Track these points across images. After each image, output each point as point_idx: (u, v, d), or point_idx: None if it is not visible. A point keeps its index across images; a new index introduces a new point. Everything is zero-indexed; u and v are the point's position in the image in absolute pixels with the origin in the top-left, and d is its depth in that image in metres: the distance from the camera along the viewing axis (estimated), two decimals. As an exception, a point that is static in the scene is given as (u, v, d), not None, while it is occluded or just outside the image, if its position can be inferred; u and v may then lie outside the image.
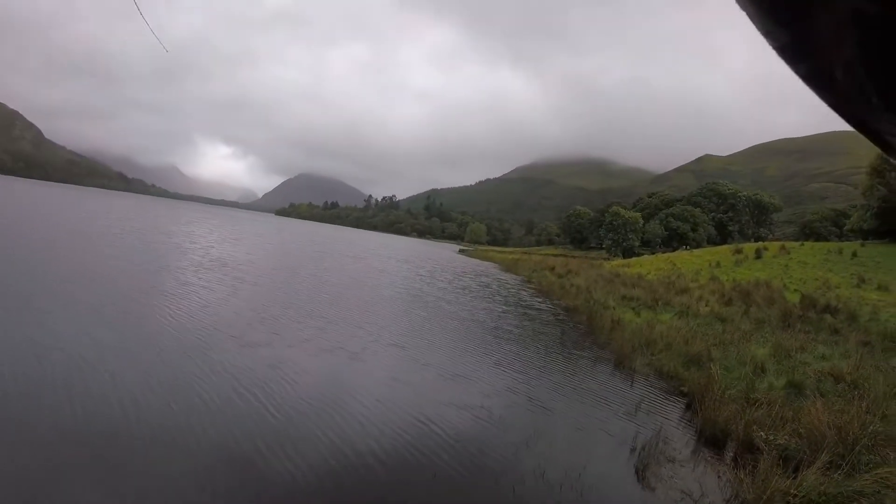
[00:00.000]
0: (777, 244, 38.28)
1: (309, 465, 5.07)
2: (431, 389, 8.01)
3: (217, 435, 5.40)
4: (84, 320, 9.04)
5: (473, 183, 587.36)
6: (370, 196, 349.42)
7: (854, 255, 29.42)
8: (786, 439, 6.26)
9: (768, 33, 0.32)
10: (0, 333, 7.59)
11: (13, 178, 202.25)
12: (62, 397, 5.71)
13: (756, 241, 72.12)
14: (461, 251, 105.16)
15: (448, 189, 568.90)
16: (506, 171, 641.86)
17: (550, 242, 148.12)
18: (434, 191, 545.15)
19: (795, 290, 21.77)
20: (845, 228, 74.39)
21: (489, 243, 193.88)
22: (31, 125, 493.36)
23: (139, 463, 4.68)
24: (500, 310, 18.49)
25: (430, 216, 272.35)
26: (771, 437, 6.27)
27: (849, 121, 0.32)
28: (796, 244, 37.67)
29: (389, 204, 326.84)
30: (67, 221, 30.62)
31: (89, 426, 5.19)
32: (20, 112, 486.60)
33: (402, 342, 11.15)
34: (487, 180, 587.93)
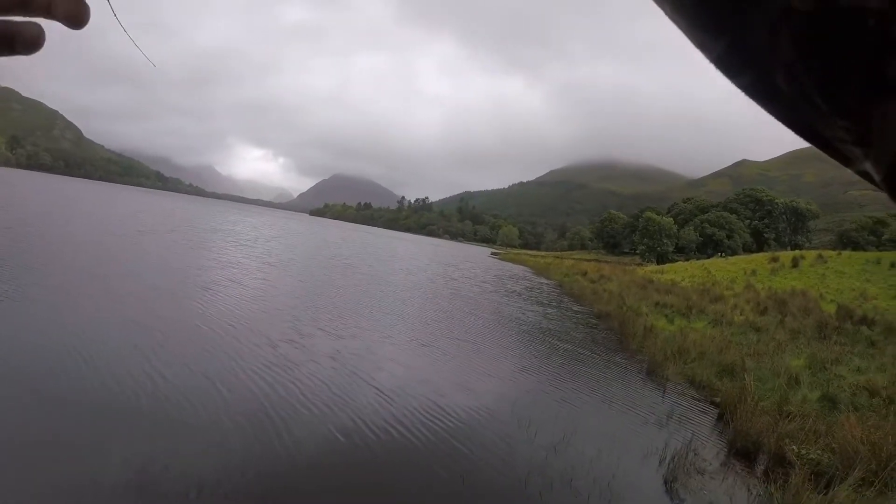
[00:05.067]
0: (814, 253, 37.55)
1: (328, 441, 5.27)
2: (479, 383, 8.15)
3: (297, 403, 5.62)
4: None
5: (506, 186, 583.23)
6: (403, 197, 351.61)
7: (893, 265, 28.56)
8: (818, 454, 6.22)
9: (702, 45, 0.30)
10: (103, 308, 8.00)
11: (55, 175, 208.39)
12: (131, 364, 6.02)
13: (793, 249, 70.31)
14: (493, 254, 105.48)
15: (481, 192, 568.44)
16: (539, 175, 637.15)
17: (583, 247, 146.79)
18: (468, 193, 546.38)
19: (832, 301, 21.34)
20: (884, 238, 72.04)
21: (521, 247, 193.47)
22: (71, 124, 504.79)
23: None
24: (534, 311, 18.63)
25: (463, 219, 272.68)
26: (803, 452, 6.24)
27: (799, 132, 0.31)
28: (833, 253, 36.65)
29: (422, 206, 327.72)
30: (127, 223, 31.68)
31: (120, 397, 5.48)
32: (60, 112, 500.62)
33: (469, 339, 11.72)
34: (521, 183, 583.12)
